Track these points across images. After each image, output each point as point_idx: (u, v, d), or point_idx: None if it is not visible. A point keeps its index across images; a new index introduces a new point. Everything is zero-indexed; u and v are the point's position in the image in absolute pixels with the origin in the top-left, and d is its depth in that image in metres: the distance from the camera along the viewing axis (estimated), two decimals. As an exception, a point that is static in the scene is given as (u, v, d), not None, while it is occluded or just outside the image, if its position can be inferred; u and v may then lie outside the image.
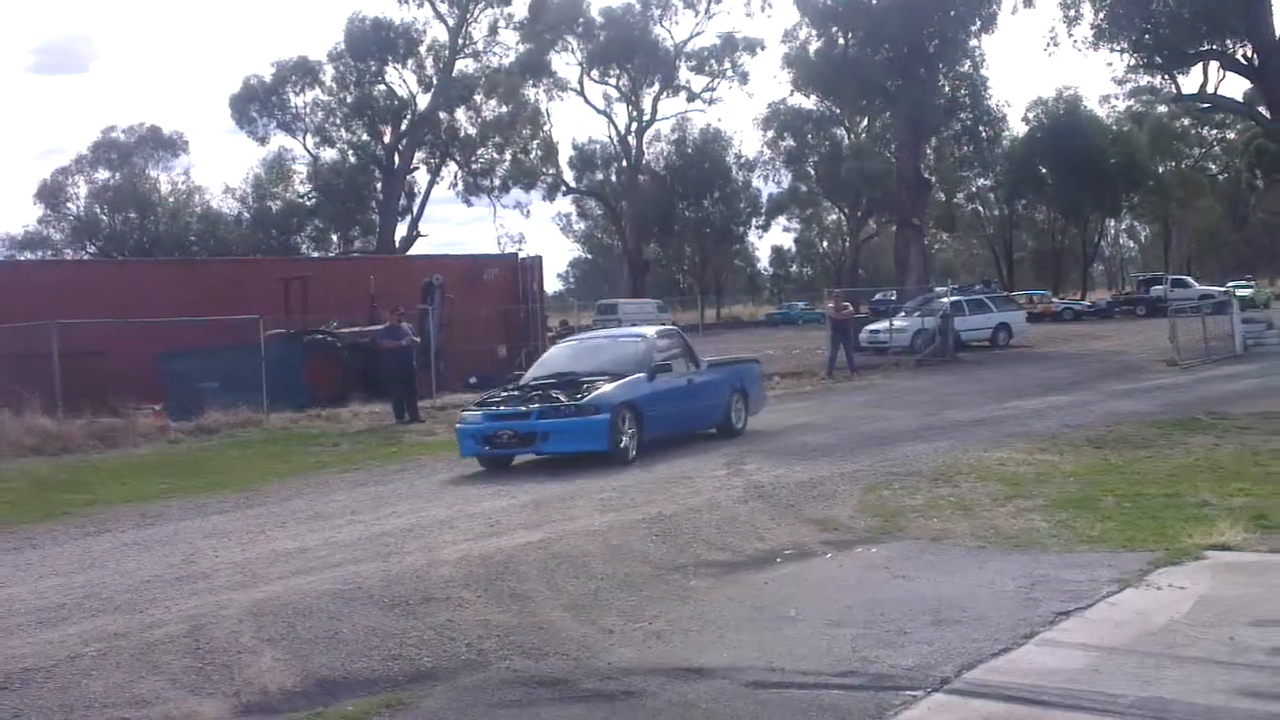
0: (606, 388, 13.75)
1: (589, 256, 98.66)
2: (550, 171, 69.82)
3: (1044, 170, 71.49)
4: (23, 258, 61.27)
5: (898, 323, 33.71)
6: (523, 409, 13.64)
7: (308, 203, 67.86)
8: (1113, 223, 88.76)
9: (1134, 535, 8.31)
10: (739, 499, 10.88)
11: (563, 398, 13.65)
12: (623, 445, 13.56)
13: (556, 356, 15.87)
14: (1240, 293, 40.16)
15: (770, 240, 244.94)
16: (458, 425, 14.24)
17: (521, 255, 36.52)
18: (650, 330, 16.24)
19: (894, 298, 45.40)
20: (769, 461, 13.32)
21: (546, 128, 67.76)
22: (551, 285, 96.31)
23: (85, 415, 19.59)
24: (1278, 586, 6.78)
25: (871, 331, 33.53)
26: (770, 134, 74.99)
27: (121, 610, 7.72)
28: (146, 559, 9.53)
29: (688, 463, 13.49)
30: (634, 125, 71.85)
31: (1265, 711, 4.81)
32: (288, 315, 25.48)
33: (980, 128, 44.24)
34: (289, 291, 26.11)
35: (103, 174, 67.95)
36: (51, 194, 66.76)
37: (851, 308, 32.06)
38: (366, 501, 12.06)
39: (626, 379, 14.11)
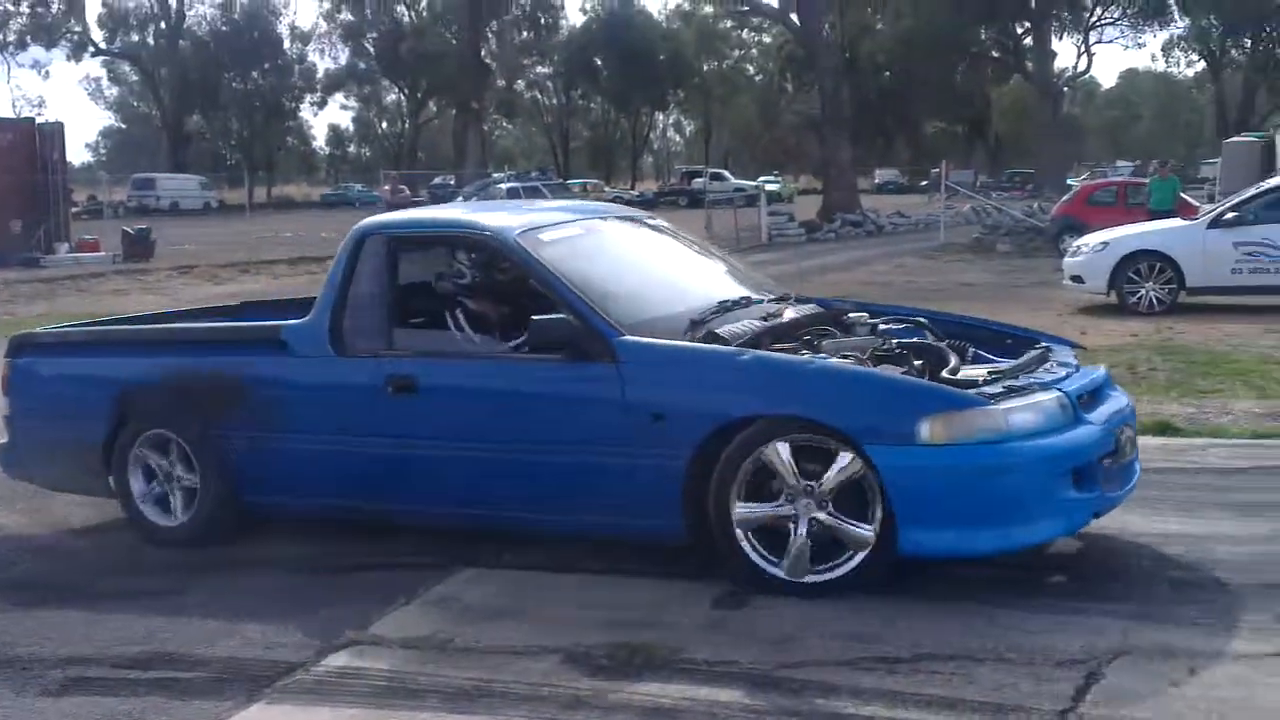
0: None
1: (123, 126, 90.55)
2: (76, 29, 63.10)
3: (599, 61, 73.46)
4: None
5: (454, 207, 33.46)
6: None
7: None
8: (661, 116, 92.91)
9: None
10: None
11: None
12: None
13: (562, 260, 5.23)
14: (769, 187, 43.18)
15: (327, 118, 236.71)
16: (1015, 447, 4.42)
17: (40, 121, 32.80)
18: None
19: (452, 183, 45.29)
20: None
21: (70, -21, 61.12)
22: (79, 156, 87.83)
23: None
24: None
25: (428, 215, 33.04)
26: (327, 5, 72.01)
27: None
28: None
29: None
30: (173, -16, 66.38)
31: None
32: None
33: (539, 14, 44.61)
34: None
35: None
36: None
37: (408, 191, 31.48)
38: None
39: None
